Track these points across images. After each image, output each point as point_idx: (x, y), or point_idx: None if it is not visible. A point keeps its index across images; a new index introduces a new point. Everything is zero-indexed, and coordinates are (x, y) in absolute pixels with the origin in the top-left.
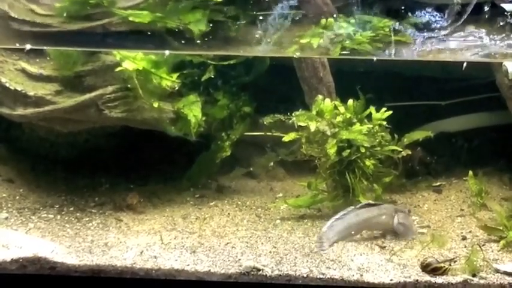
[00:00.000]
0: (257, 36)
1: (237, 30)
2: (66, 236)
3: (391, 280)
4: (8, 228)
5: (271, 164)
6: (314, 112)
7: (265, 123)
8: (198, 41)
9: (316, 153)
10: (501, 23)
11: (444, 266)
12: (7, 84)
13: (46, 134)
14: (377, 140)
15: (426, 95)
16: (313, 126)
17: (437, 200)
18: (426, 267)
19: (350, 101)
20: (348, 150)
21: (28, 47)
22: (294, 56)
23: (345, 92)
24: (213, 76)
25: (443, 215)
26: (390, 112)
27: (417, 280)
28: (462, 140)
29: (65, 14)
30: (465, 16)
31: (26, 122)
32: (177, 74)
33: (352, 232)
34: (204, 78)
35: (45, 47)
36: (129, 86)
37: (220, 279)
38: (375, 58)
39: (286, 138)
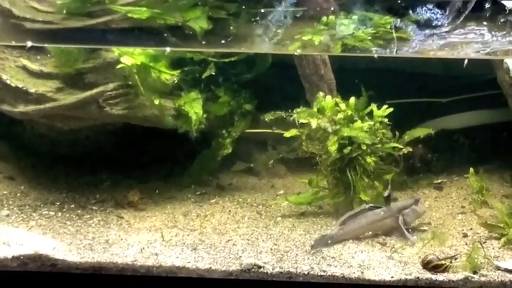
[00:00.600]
0: (258, 33)
1: (237, 27)
2: (67, 233)
3: (392, 277)
4: (9, 225)
5: (272, 161)
6: (315, 109)
7: (266, 120)
8: (200, 39)
9: (317, 150)
10: (502, 20)
11: (445, 263)
12: (8, 81)
13: (47, 131)
14: (378, 137)
15: (427, 92)
16: (314, 123)
17: (438, 197)
18: (427, 265)
19: (352, 99)
20: (349, 148)
21: (29, 44)
22: (295, 53)
23: (346, 89)
24: (214, 73)
25: (444, 212)
26: (391, 109)
27: (418, 277)
28: (463, 137)
29: (65, 11)
30: (466, 13)
31: (27, 119)
32: (178, 71)
33: (359, 234)
34: (205, 75)
35: (46, 45)
36: (130, 83)
37: (221, 277)
38: (375, 55)
39: (287, 134)
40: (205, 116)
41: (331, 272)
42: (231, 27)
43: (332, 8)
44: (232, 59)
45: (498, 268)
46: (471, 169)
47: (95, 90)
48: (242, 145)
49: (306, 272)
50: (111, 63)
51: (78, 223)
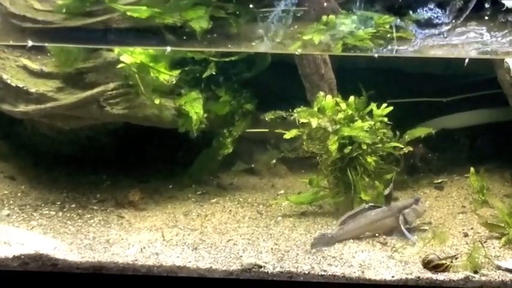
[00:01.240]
0: (259, 32)
1: (238, 26)
2: (67, 232)
3: (393, 277)
4: (10, 225)
5: (274, 161)
6: (315, 109)
7: (266, 119)
8: (199, 38)
9: (318, 150)
10: (502, 20)
11: (446, 263)
12: (9, 81)
13: (48, 131)
14: (378, 137)
15: (428, 92)
16: (314, 123)
17: (438, 197)
18: (428, 264)
19: (351, 98)
20: (350, 147)
21: (30, 43)
22: (296, 52)
23: (347, 88)
24: (214, 73)
25: (445, 212)
26: (391, 108)
27: (419, 277)
28: (463, 136)
29: (64, 10)
30: (467, 12)
31: (28, 119)
32: (178, 71)
33: (359, 233)
34: (205, 74)
35: (46, 44)
36: (130, 82)
37: (221, 276)
38: (376, 55)
39: (288, 135)
40: (205, 115)
41: (331, 271)
42: (232, 27)
43: (332, 8)
44: (233, 58)
45: (499, 268)
46: (472, 169)
47: (95, 90)
48: (242, 145)
49: (306, 272)
50: (112, 62)
51: (79, 223)
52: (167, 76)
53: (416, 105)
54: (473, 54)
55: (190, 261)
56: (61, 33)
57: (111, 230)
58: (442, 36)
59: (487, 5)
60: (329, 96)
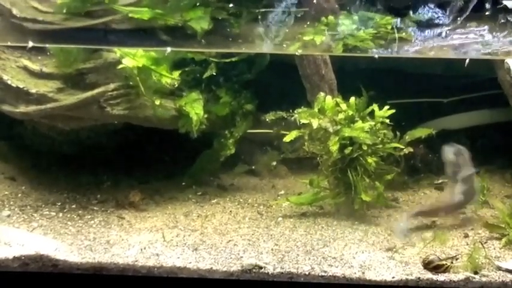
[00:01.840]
0: (259, 33)
1: (239, 27)
2: (68, 233)
3: (393, 278)
4: (10, 226)
5: (275, 163)
6: (316, 109)
7: (267, 120)
8: (199, 39)
9: (318, 151)
10: (502, 20)
11: (446, 264)
12: (9, 82)
13: (48, 132)
14: (379, 138)
15: (428, 92)
16: (315, 124)
17: (439, 198)
18: (428, 265)
19: (352, 99)
20: (350, 148)
21: (30, 44)
22: (296, 53)
23: (347, 89)
24: (215, 73)
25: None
26: (393, 111)
27: (419, 278)
28: (464, 137)
29: (64, 10)
30: (467, 13)
31: (28, 120)
32: (178, 72)
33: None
34: (205, 75)
35: (47, 45)
36: (131, 83)
37: (222, 277)
38: (376, 55)
39: (288, 138)
40: (206, 116)
41: (332, 272)
42: (232, 28)
43: (333, 8)
44: (233, 59)
45: (499, 268)
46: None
47: (96, 91)
48: (243, 145)
49: (307, 273)
50: (112, 63)
51: (79, 223)
52: (169, 79)
53: (417, 106)
54: (474, 54)
55: (190, 262)
56: (61, 33)
57: (112, 230)
58: (442, 36)
59: (487, 5)
60: (329, 97)
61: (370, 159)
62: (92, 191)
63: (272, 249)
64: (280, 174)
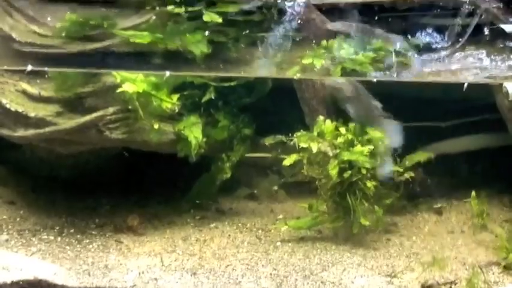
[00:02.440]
0: (258, 57)
1: (237, 51)
2: (66, 258)
3: None
4: (9, 250)
5: (276, 187)
6: (315, 133)
7: (266, 144)
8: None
9: (317, 175)
10: (501, 45)
11: None
12: (8, 106)
13: (47, 155)
14: (378, 162)
15: (426, 117)
16: (315, 147)
17: (437, 222)
18: None
19: (351, 124)
20: (349, 172)
21: (29, 68)
22: (295, 77)
23: (346, 113)
24: (213, 97)
25: (444, 237)
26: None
27: None
28: (462, 161)
29: (63, 34)
30: (466, 37)
31: (27, 143)
32: (178, 96)
33: None
34: (204, 99)
35: (46, 68)
36: (129, 107)
37: None
38: (374, 79)
39: (287, 161)
40: (205, 140)
41: None
42: (231, 52)
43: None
44: (232, 83)
45: None
46: (473, 193)
47: (94, 115)
48: (242, 169)
49: None
50: (111, 87)
51: (78, 248)
52: (170, 104)
53: (415, 130)
54: (472, 79)
55: (189, 287)
56: (60, 57)
57: (110, 255)
58: (440, 61)
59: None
60: (328, 121)
61: (369, 183)
62: (91, 215)
63: (271, 274)
64: (279, 198)
